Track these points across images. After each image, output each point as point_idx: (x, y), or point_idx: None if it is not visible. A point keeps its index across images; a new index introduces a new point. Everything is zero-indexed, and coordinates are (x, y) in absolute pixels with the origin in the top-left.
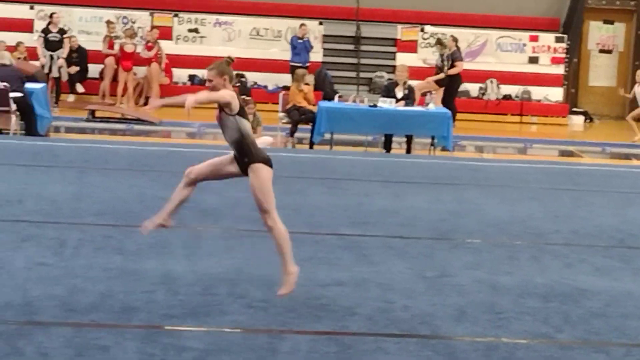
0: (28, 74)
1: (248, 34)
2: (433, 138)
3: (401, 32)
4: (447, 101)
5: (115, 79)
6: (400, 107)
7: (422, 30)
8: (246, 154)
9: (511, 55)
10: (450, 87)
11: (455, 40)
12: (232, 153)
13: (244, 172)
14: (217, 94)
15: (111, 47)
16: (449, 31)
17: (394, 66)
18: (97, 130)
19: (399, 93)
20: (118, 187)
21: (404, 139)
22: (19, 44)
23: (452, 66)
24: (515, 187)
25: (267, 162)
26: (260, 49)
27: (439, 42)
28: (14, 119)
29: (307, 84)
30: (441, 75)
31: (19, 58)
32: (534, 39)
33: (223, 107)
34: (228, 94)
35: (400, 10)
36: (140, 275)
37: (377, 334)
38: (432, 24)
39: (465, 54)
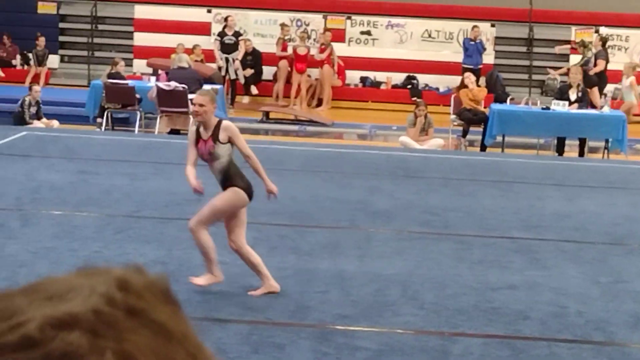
0: (205, 76)
1: (420, 36)
2: (607, 141)
3: (575, 33)
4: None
5: (288, 81)
6: (574, 109)
7: (596, 31)
8: (231, 181)
9: None
10: (597, 86)
11: (603, 40)
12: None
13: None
14: (246, 145)
15: (285, 49)
16: (624, 32)
17: (568, 69)
18: (271, 131)
19: (573, 95)
20: (292, 188)
21: (577, 142)
22: (195, 46)
23: (594, 65)
24: None
25: (248, 190)
26: (432, 51)
27: (583, 44)
28: (191, 119)
29: (479, 86)
30: (563, 70)
31: (196, 61)
32: None
33: (220, 136)
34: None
35: (575, 11)
36: (314, 275)
37: (550, 338)
38: (606, 25)
39: None
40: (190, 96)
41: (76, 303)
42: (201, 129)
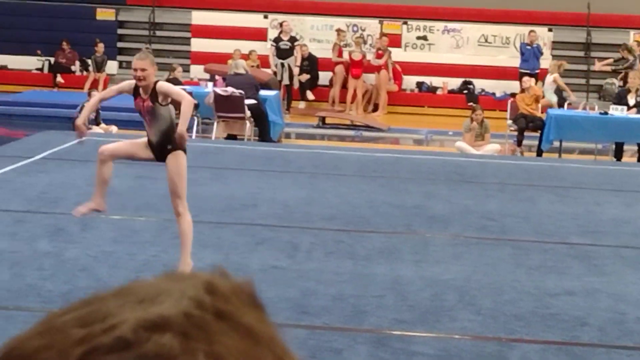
0: (262, 81)
1: (476, 40)
2: None
3: (633, 37)
4: None
5: (344, 86)
6: (633, 114)
7: None
8: (172, 141)
9: None
10: None
11: None
12: (145, 139)
13: (162, 158)
14: (181, 92)
15: (340, 55)
16: None
17: (625, 73)
18: (327, 136)
19: (631, 100)
20: (348, 193)
21: (636, 147)
22: (251, 52)
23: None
24: None
25: (185, 151)
26: (489, 55)
27: (626, 48)
28: (248, 125)
29: (536, 91)
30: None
31: (252, 66)
32: None
33: (159, 98)
34: (180, 90)
35: (633, 15)
36: (371, 280)
37: (609, 345)
38: None
39: None
40: (247, 101)
41: (167, 306)
42: (140, 88)
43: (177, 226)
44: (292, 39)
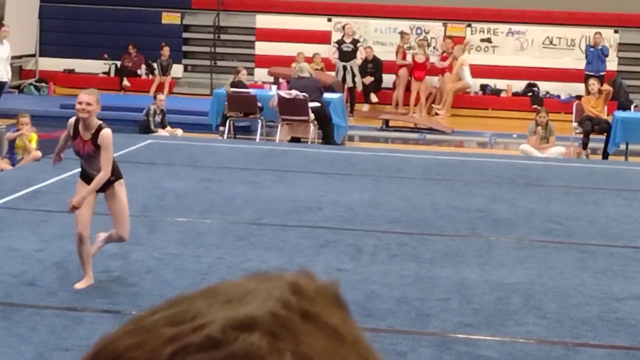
0: (326, 84)
1: (541, 43)
2: None
3: None
4: None
5: (408, 89)
6: None
7: None
8: (115, 173)
9: None
10: None
11: None
12: (78, 183)
13: (102, 189)
14: (110, 158)
15: (404, 57)
16: None
17: None
18: (391, 139)
19: None
20: (412, 196)
21: None
22: (315, 55)
23: None
24: None
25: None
26: (553, 58)
27: None
28: (312, 128)
29: (601, 93)
30: None
31: (315, 69)
32: None
33: (101, 145)
34: (110, 155)
35: None
36: (435, 283)
37: None
38: None
39: None
40: (310, 104)
41: (254, 306)
42: (81, 127)
43: (78, 248)
44: (355, 42)
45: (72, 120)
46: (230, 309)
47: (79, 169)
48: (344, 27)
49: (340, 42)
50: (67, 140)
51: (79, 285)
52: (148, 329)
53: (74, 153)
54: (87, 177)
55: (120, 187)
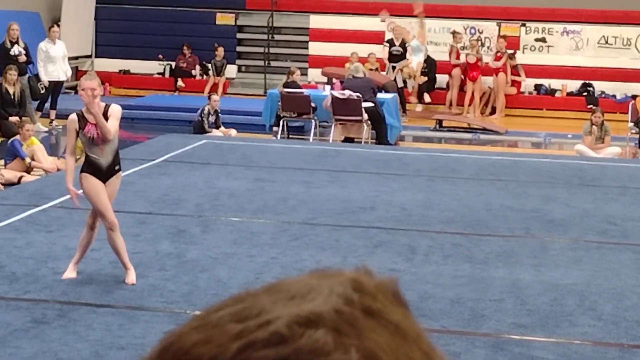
0: (379, 84)
1: (596, 42)
2: None
3: None
4: None
5: (462, 89)
6: None
7: None
8: (119, 162)
9: None
10: None
11: None
12: (88, 176)
13: (107, 179)
14: (116, 125)
15: (458, 57)
16: None
17: None
18: (444, 139)
19: None
20: (466, 196)
21: None
22: (370, 55)
23: None
24: None
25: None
26: (609, 57)
27: None
28: (365, 128)
29: None
30: None
31: (370, 69)
32: None
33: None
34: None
35: None
36: (489, 284)
37: None
38: None
39: None
40: (364, 104)
41: (318, 303)
42: (86, 114)
43: (111, 242)
44: (403, 44)
45: (71, 116)
46: (295, 305)
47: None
48: (393, 30)
49: (390, 43)
50: (74, 137)
51: (67, 275)
52: (214, 325)
53: (85, 146)
54: (96, 170)
55: (119, 178)
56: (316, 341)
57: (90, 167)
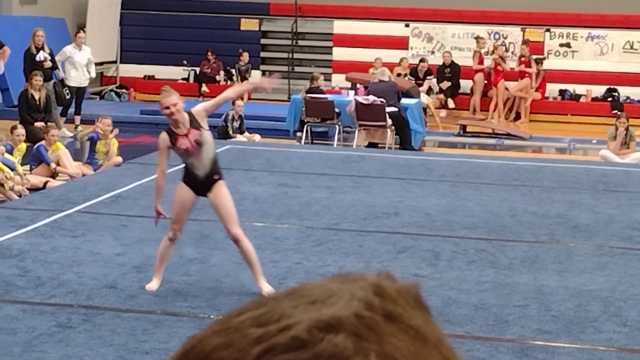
0: (403, 89)
1: (621, 47)
2: None
3: None
4: None
5: (486, 94)
6: None
7: None
8: (218, 171)
9: None
10: None
11: None
12: (182, 187)
13: (206, 191)
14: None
15: (481, 62)
16: None
17: None
18: (468, 144)
19: None
20: (490, 201)
21: None
22: (402, 60)
23: None
24: None
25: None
26: (634, 62)
27: None
28: (389, 133)
29: None
30: None
31: (398, 74)
32: None
33: (201, 123)
34: (204, 105)
35: None
36: (513, 289)
37: None
38: None
39: None
40: (388, 109)
41: (339, 307)
42: (175, 128)
43: (241, 252)
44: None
45: (162, 135)
46: (315, 310)
47: (177, 173)
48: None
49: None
50: (166, 156)
51: (151, 286)
52: (235, 329)
53: (183, 160)
54: (193, 181)
55: (223, 186)
56: (336, 346)
57: (188, 177)
